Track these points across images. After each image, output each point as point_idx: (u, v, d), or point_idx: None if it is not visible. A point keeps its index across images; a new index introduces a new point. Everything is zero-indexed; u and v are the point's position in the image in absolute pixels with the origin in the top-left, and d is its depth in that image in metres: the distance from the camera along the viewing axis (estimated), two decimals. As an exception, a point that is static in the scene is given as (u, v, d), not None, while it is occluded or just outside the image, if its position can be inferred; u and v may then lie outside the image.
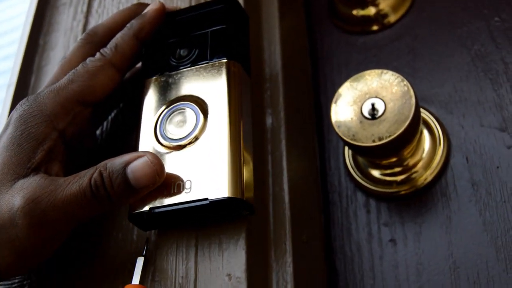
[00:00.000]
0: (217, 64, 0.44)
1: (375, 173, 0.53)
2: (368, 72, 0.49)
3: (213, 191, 0.39)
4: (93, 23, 0.61)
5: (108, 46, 0.47)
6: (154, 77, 0.46)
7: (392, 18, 0.61)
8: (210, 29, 0.46)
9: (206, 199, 0.39)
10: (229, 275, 0.40)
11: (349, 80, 0.49)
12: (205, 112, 0.42)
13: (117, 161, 0.40)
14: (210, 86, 0.44)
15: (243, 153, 0.41)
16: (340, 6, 0.63)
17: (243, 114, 0.43)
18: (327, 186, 0.55)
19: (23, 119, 0.43)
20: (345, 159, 0.54)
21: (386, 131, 0.46)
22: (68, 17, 0.63)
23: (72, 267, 0.47)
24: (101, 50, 0.47)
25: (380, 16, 0.61)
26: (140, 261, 0.41)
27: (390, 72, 0.48)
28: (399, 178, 0.52)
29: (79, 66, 0.46)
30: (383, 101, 0.47)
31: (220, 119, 0.42)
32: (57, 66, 0.48)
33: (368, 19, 0.62)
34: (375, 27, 0.61)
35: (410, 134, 0.46)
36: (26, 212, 0.39)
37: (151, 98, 0.45)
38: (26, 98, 0.45)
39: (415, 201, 0.51)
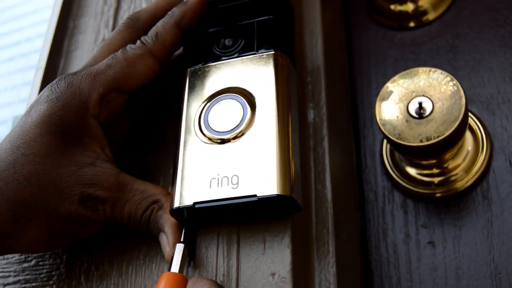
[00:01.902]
0: (264, 56, 0.43)
1: (412, 172, 0.51)
2: (415, 69, 0.47)
3: (261, 188, 0.38)
4: (125, 8, 0.60)
5: (149, 34, 0.46)
6: (196, 67, 0.45)
7: (431, 16, 0.59)
8: (257, 19, 0.45)
9: (255, 195, 0.38)
10: (273, 274, 0.39)
11: (394, 77, 0.48)
12: (252, 105, 0.41)
13: (162, 219, 0.41)
14: (257, 78, 0.42)
15: (291, 149, 0.40)
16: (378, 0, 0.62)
17: (291, 108, 0.42)
18: (363, 184, 0.54)
19: (60, 103, 0.42)
20: (383, 157, 0.53)
21: (435, 131, 0.44)
22: (98, 1, 0.62)
23: (107, 254, 0.46)
24: (142, 38, 0.45)
25: (418, 13, 0.59)
26: (179, 248, 0.40)
27: (439, 71, 0.46)
28: (438, 179, 0.50)
29: (119, 52, 0.45)
30: (430, 100, 0.46)
31: (269, 114, 0.40)
32: (97, 48, 0.47)
33: (405, 15, 0.60)
34: (412, 24, 0.60)
35: (458, 135, 0.45)
36: (90, 206, 0.41)
37: (194, 88, 0.44)
38: (62, 78, 0.44)
39: (455, 203, 0.50)
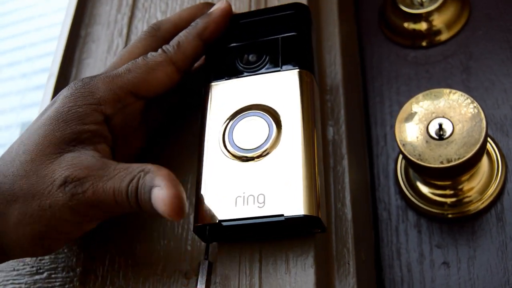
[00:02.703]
0: (289, 74, 0.43)
1: (426, 191, 0.52)
2: (434, 90, 0.47)
3: (288, 208, 0.38)
4: (139, 16, 0.59)
5: (171, 43, 0.45)
6: (220, 81, 0.45)
7: (444, 36, 0.59)
8: (281, 36, 0.45)
9: (282, 215, 0.38)
10: (297, 294, 0.39)
11: (414, 98, 0.48)
12: (278, 123, 0.41)
13: (150, 178, 0.38)
14: (283, 96, 0.42)
15: (317, 169, 0.40)
16: (392, 17, 0.62)
17: (316, 128, 0.42)
18: (376, 202, 0.54)
19: (73, 97, 0.42)
20: (397, 176, 0.53)
21: (455, 153, 0.44)
22: (112, 9, 0.61)
23: (122, 268, 0.45)
24: (163, 47, 0.45)
25: (432, 32, 0.60)
26: (203, 265, 0.39)
27: (459, 93, 0.47)
28: (451, 200, 0.51)
29: (139, 58, 0.45)
30: (450, 121, 0.46)
31: (294, 133, 0.40)
32: (117, 55, 0.47)
33: (419, 34, 0.60)
34: (424, 43, 0.60)
35: (478, 158, 0.45)
36: (70, 189, 0.39)
37: (217, 103, 0.44)
38: (81, 79, 0.44)
39: (469, 225, 0.50)
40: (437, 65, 0.58)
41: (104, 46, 0.59)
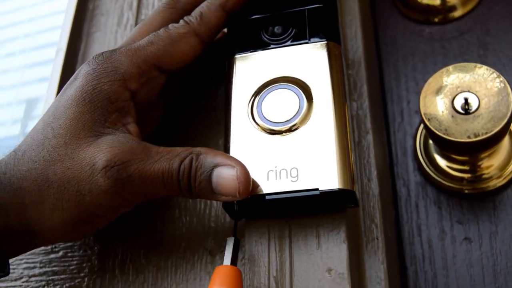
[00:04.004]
0: (318, 45, 0.42)
1: (444, 164, 0.51)
2: (459, 65, 0.47)
3: (322, 182, 0.37)
4: (150, -10, 0.57)
5: (193, 14, 0.44)
6: (244, 54, 0.43)
7: (458, 12, 0.59)
8: (307, 7, 0.44)
9: (317, 189, 0.37)
10: (330, 270, 0.38)
11: (438, 72, 0.47)
12: (309, 96, 0.40)
13: (210, 158, 0.37)
14: (312, 68, 0.41)
15: (349, 142, 0.39)
16: (406, -8, 0.61)
17: (346, 100, 0.41)
18: (395, 179, 0.53)
19: (95, 74, 0.40)
20: (417, 152, 0.53)
21: (482, 127, 0.44)
22: (120, -18, 0.59)
23: (143, 247, 0.44)
24: (185, 18, 0.44)
25: (446, 8, 0.59)
26: (230, 242, 0.38)
27: (485, 67, 0.46)
28: (469, 175, 0.50)
29: (161, 30, 0.43)
30: (476, 96, 0.45)
31: (326, 106, 0.39)
32: (135, 29, 0.45)
33: (433, 9, 0.60)
34: (437, 19, 0.60)
35: (504, 132, 0.45)
36: (113, 173, 0.37)
37: (243, 76, 0.43)
38: (100, 53, 0.42)
39: (489, 200, 0.50)
40: (453, 41, 0.58)
41: (113, 19, 0.57)
